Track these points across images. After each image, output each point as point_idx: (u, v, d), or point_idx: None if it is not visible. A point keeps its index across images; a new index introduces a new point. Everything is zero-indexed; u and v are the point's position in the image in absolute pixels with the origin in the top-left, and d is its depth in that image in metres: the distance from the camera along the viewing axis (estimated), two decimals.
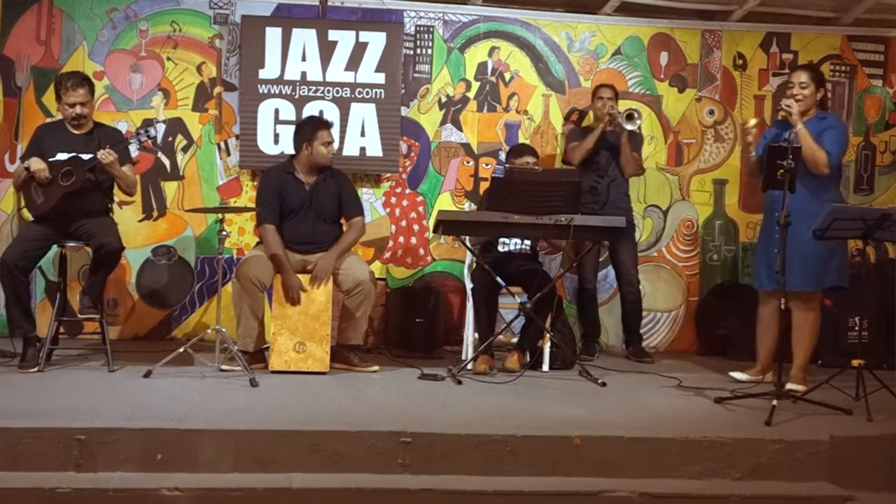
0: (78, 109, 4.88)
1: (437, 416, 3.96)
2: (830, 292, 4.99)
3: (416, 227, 6.31)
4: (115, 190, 5.09)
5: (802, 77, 4.86)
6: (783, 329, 4.66)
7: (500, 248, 5.47)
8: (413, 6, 6.28)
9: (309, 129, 5.13)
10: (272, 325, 4.90)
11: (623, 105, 6.20)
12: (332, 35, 6.10)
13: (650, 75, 6.41)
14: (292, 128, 5.37)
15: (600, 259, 6.08)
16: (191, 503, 3.36)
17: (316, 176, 5.13)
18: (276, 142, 6.02)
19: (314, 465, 3.53)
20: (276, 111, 6.05)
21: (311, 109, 5.93)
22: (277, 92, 6.06)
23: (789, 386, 4.63)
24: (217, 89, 6.13)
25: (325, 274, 4.91)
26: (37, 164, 4.75)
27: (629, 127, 5.66)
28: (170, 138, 6.08)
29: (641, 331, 6.08)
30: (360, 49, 6.10)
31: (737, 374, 5.00)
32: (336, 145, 5.80)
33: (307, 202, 5.08)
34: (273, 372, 4.82)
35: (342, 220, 5.23)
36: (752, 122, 5.05)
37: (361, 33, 6.12)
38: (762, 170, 4.93)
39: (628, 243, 5.90)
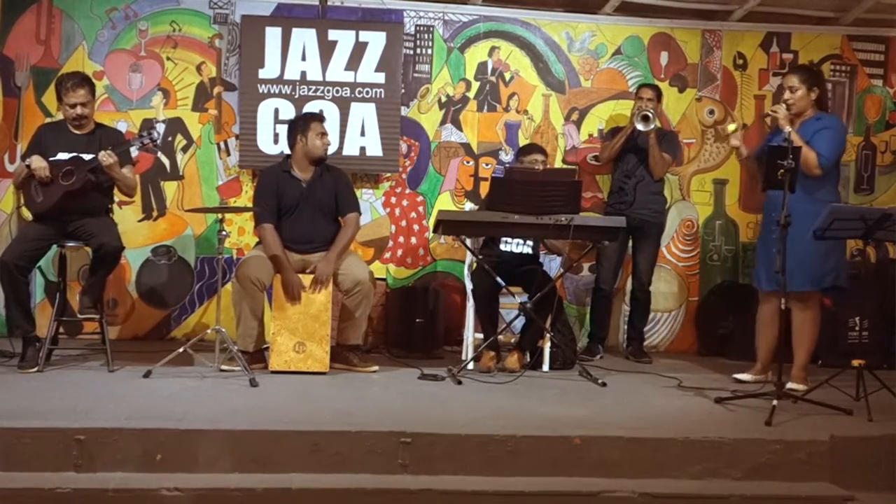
0: (79, 110, 4.88)
1: (437, 416, 3.96)
2: (830, 292, 4.98)
3: (416, 227, 6.30)
4: (115, 190, 5.09)
5: (792, 80, 4.89)
6: (783, 329, 4.66)
7: (502, 247, 5.46)
8: (413, 6, 6.28)
9: (302, 122, 5.16)
10: (272, 325, 4.90)
11: (626, 106, 6.23)
12: (332, 35, 6.10)
13: (650, 75, 6.40)
14: None
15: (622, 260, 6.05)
16: (191, 503, 3.36)
17: (312, 172, 5.13)
18: (276, 142, 6.02)
19: (314, 465, 3.53)
20: (276, 111, 6.05)
21: (310, 109, 5.92)
22: (277, 92, 6.05)
23: (790, 385, 4.63)
24: (217, 89, 6.13)
25: (327, 277, 4.91)
26: (38, 161, 4.75)
27: (640, 127, 5.66)
28: (169, 138, 6.08)
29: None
30: (360, 49, 6.10)
31: (742, 376, 4.99)
32: (335, 143, 5.82)
33: (304, 199, 5.08)
34: (273, 372, 4.82)
35: (339, 218, 5.23)
36: (731, 127, 5.09)
37: (361, 33, 6.11)
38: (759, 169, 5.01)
39: (650, 243, 5.91)
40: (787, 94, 4.86)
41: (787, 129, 4.69)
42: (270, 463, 3.51)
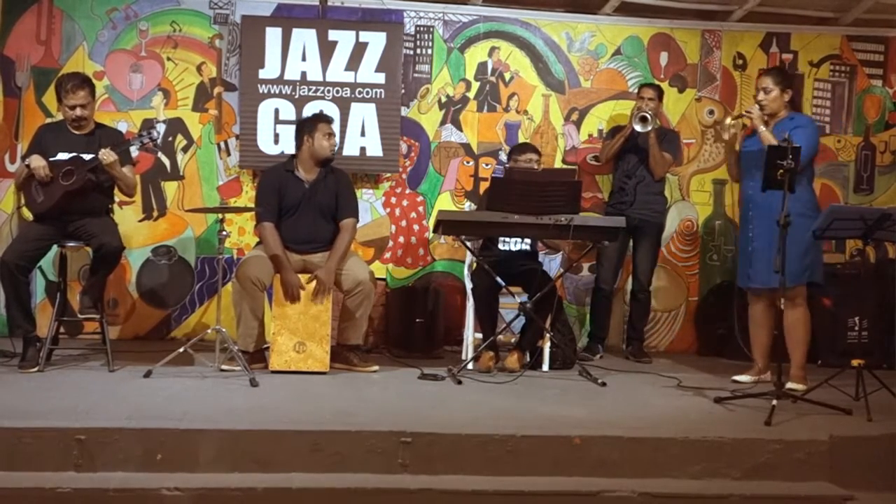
0: (79, 111, 4.88)
1: (437, 416, 3.96)
2: (812, 289, 4.99)
3: (416, 227, 6.31)
4: (116, 190, 5.09)
5: (765, 82, 4.98)
6: (774, 327, 4.68)
7: (500, 247, 5.47)
8: (413, 6, 6.28)
9: (310, 122, 5.16)
10: (272, 325, 4.90)
11: (626, 106, 6.23)
12: (332, 35, 6.10)
13: (650, 75, 6.40)
14: (292, 128, 5.37)
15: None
16: (191, 503, 3.36)
17: (316, 173, 5.13)
18: (276, 142, 6.02)
19: (314, 465, 3.53)
20: (276, 111, 6.05)
21: (311, 109, 5.91)
22: (277, 92, 6.06)
23: (789, 385, 4.64)
24: (217, 89, 6.14)
25: (329, 283, 4.91)
26: (37, 161, 4.75)
27: (638, 128, 5.67)
28: (170, 138, 6.08)
29: None
30: (360, 49, 6.10)
31: (740, 378, 5.00)
32: (336, 143, 5.82)
33: (306, 200, 5.08)
34: (273, 372, 4.82)
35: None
36: (729, 120, 5.11)
37: (361, 33, 6.12)
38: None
39: (650, 243, 5.91)
40: (760, 96, 4.96)
41: (761, 128, 4.80)
42: (270, 463, 3.52)
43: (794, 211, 4.43)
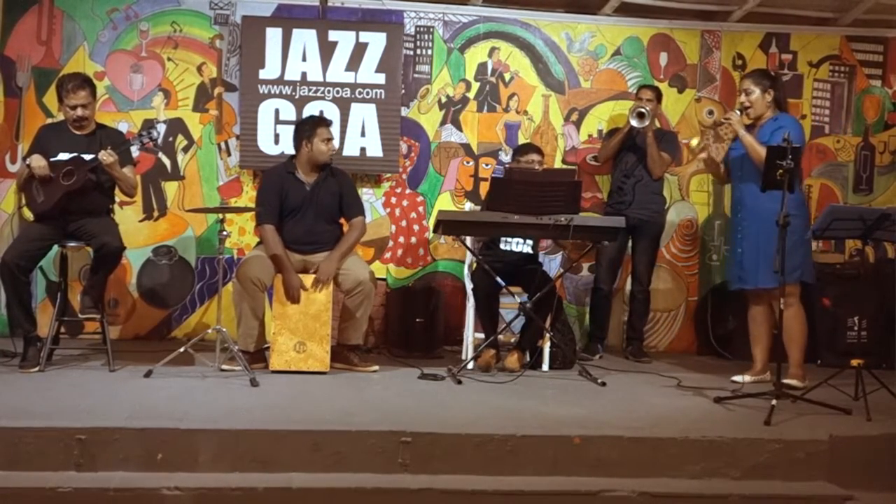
0: (80, 112, 4.88)
1: (437, 416, 3.97)
2: (811, 289, 5.00)
3: (416, 227, 6.31)
4: (116, 190, 5.10)
5: (745, 84, 5.00)
6: (772, 326, 4.68)
7: (501, 247, 5.47)
8: (413, 6, 6.29)
9: (308, 126, 5.15)
10: (272, 324, 4.91)
11: (625, 106, 6.23)
12: (333, 35, 6.11)
13: (650, 76, 6.41)
14: (292, 128, 5.37)
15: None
16: (191, 503, 3.37)
17: (316, 175, 5.14)
18: (277, 142, 6.03)
19: (314, 465, 3.54)
20: (277, 111, 6.06)
21: (311, 110, 5.94)
22: (278, 92, 6.06)
23: (786, 381, 4.63)
24: (217, 90, 6.14)
25: (328, 276, 4.92)
26: (37, 160, 4.75)
27: (634, 123, 5.69)
28: (170, 138, 6.09)
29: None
30: (360, 49, 6.11)
31: (739, 378, 5.01)
32: (336, 145, 5.83)
33: (307, 201, 5.09)
34: (273, 372, 4.83)
35: (342, 220, 5.24)
36: (694, 142, 5.13)
37: (361, 34, 6.13)
38: (727, 173, 5.14)
39: (649, 243, 5.92)
40: (742, 98, 4.97)
41: (741, 132, 4.82)
42: (270, 463, 3.52)
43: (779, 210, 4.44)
